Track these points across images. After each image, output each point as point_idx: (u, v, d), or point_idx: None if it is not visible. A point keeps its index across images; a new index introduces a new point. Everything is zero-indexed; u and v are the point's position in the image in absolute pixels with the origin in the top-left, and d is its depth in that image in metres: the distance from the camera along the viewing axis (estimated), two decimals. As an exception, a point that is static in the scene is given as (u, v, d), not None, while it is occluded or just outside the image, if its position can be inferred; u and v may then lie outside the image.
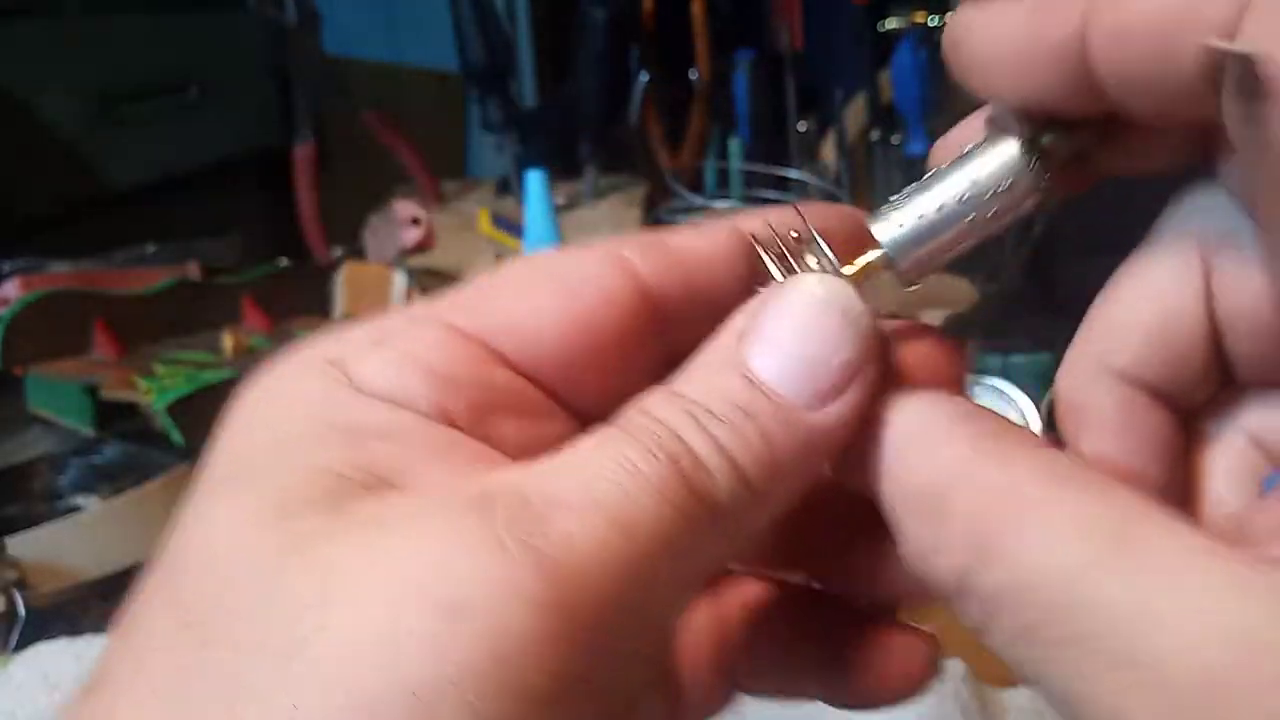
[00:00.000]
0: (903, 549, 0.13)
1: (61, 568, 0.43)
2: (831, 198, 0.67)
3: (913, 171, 0.74)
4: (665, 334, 0.15)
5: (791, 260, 0.15)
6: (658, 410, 0.13)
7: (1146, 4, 0.12)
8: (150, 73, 1.06)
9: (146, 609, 0.13)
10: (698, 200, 0.51)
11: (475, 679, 0.11)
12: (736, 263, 0.15)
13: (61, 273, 0.65)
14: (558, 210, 0.66)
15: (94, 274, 0.63)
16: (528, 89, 1.17)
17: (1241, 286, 0.14)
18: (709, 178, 0.82)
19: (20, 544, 0.42)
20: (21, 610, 0.40)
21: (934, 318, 0.61)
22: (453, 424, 0.14)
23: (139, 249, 0.73)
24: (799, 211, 0.15)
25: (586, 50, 0.77)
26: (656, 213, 0.52)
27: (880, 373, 0.14)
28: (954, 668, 0.39)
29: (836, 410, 0.13)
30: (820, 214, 0.16)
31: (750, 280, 0.15)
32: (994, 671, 0.41)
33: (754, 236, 0.15)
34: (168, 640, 0.12)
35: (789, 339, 0.14)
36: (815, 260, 0.15)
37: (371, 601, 0.11)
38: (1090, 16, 0.13)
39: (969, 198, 0.15)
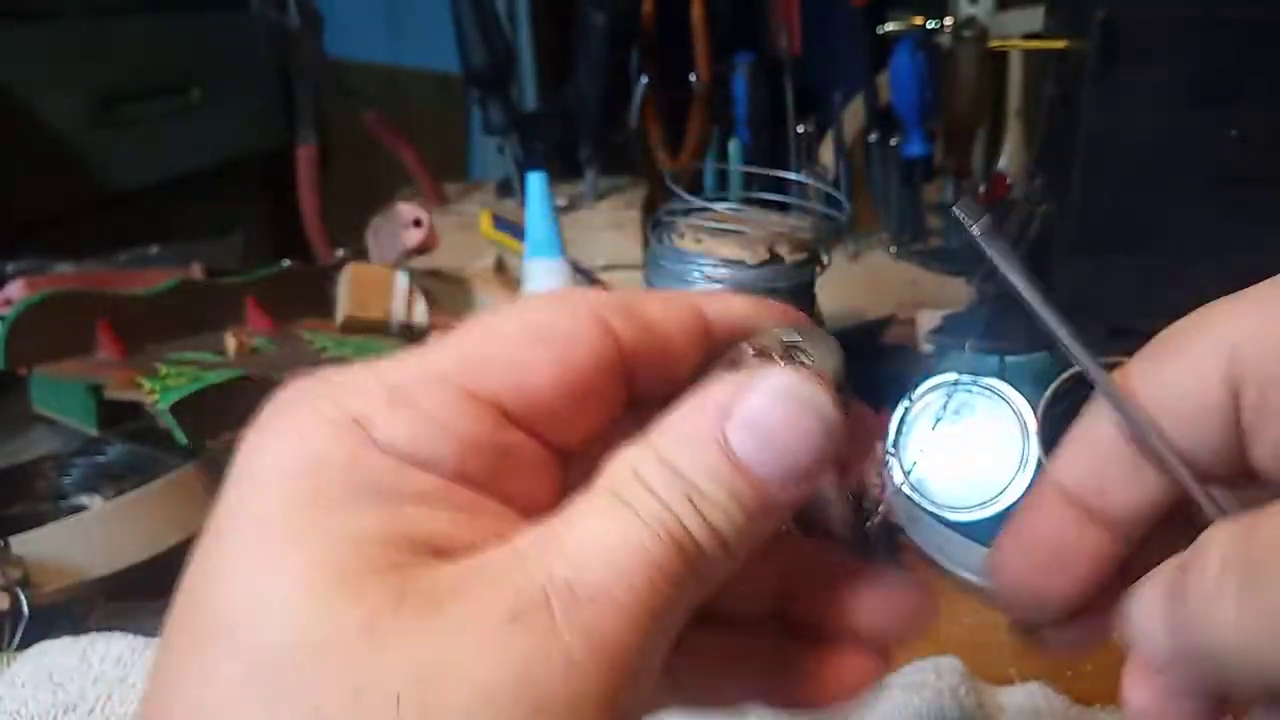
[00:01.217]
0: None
1: (65, 567, 0.43)
2: (830, 199, 0.67)
3: (910, 173, 0.74)
4: (631, 382, 0.18)
5: (768, 350, 0.18)
6: (657, 486, 0.15)
7: None
8: (153, 74, 1.07)
9: (194, 648, 0.14)
10: (697, 202, 0.52)
11: None
12: (694, 337, 0.18)
13: (65, 274, 0.65)
14: (558, 212, 0.66)
15: (97, 275, 0.64)
16: (528, 92, 1.17)
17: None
18: (708, 179, 0.83)
19: (24, 543, 0.42)
20: (25, 609, 0.40)
21: (931, 318, 0.61)
22: (471, 484, 0.16)
23: (142, 250, 0.74)
24: (764, 308, 0.19)
25: (587, 53, 0.77)
26: (656, 214, 0.53)
27: (836, 457, 0.16)
28: (952, 665, 0.40)
29: (801, 492, 0.16)
30: (778, 311, 0.19)
31: (702, 351, 0.18)
32: (992, 670, 0.41)
33: (749, 335, 0.18)
34: (234, 691, 0.13)
35: (772, 430, 0.16)
36: (788, 356, 0.17)
37: (467, 708, 0.13)
38: None
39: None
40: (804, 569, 0.20)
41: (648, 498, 0.15)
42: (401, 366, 0.16)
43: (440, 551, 0.15)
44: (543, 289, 0.57)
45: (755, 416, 0.16)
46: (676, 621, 0.16)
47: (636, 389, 0.18)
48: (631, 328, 0.17)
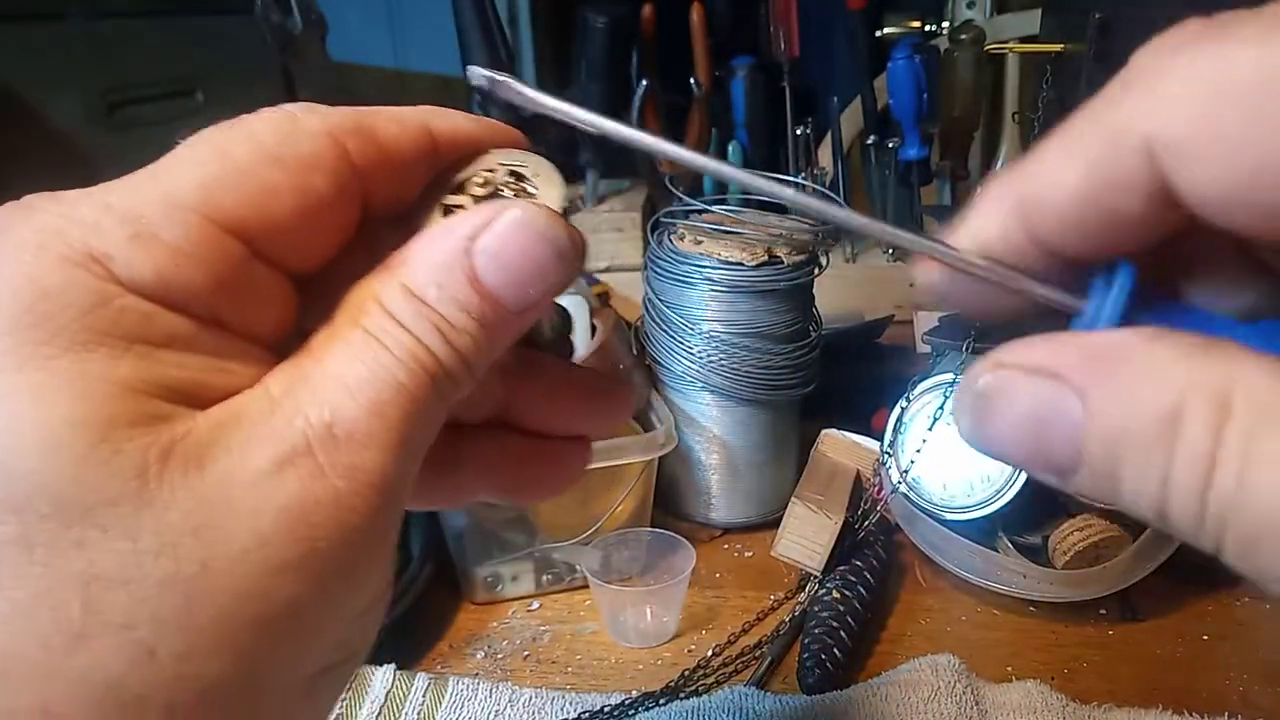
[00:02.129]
0: (1122, 488, 0.14)
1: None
2: (828, 200, 0.67)
3: (908, 175, 0.75)
4: (363, 202, 0.18)
5: (495, 178, 0.18)
6: (405, 318, 0.16)
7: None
8: (157, 77, 1.07)
9: None
10: (696, 204, 0.52)
11: (323, 584, 0.15)
12: (424, 155, 0.18)
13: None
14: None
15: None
16: (529, 95, 1.18)
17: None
18: (707, 182, 0.83)
19: None
20: None
21: (928, 320, 0.62)
22: (218, 322, 0.15)
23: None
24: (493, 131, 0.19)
25: (587, 57, 0.78)
26: (656, 216, 0.53)
27: (569, 285, 0.17)
28: (949, 663, 0.40)
29: (537, 313, 0.17)
30: (501, 132, 0.19)
31: (430, 169, 0.18)
32: (989, 667, 0.41)
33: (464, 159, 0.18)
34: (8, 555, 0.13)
35: (515, 260, 0.16)
36: (517, 186, 0.18)
37: (244, 555, 0.14)
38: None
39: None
40: (522, 374, 0.21)
41: (396, 329, 0.16)
42: (134, 193, 0.15)
43: (193, 398, 0.15)
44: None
45: (500, 246, 0.16)
46: (428, 441, 0.16)
47: (367, 208, 0.18)
48: (365, 148, 0.17)
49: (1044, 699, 0.39)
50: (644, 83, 0.82)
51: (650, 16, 0.82)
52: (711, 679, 0.42)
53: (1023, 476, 0.46)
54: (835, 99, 0.77)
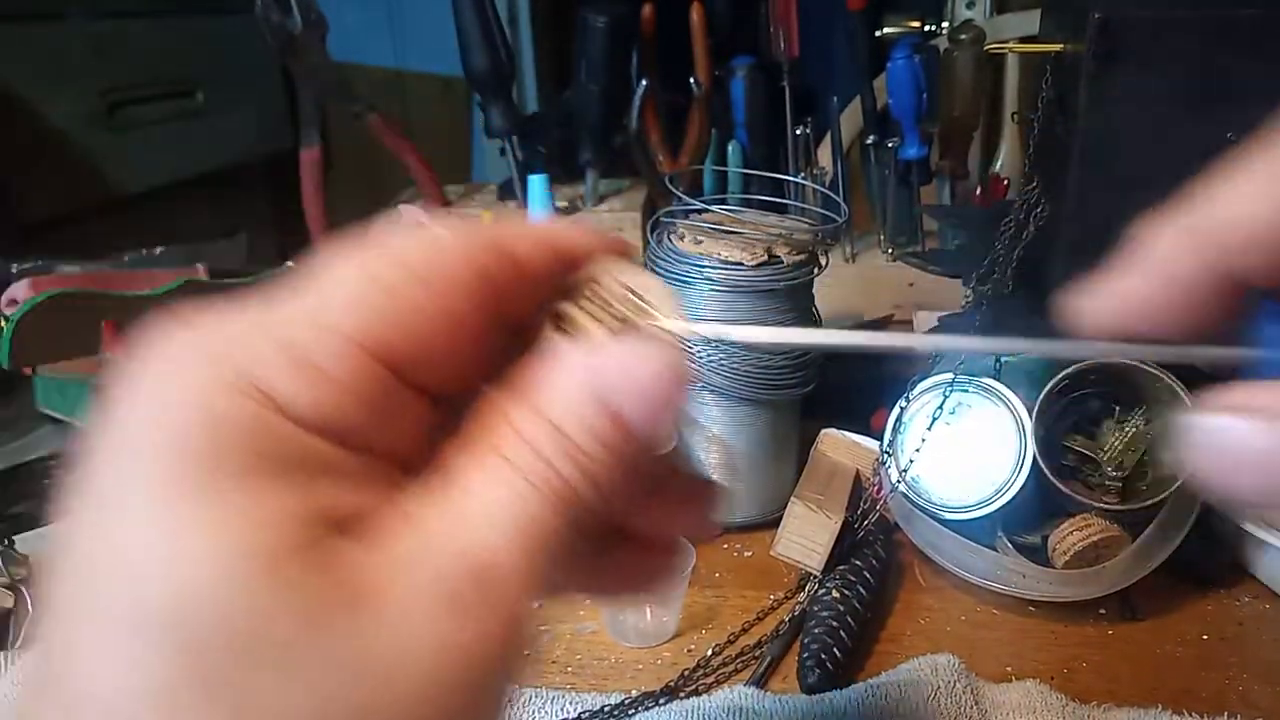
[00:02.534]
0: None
1: (70, 564, 0.43)
2: (828, 201, 0.67)
3: (907, 175, 0.75)
4: (497, 317, 0.18)
5: (611, 300, 0.19)
6: (542, 446, 0.16)
7: None
8: (158, 77, 1.07)
9: (105, 634, 0.13)
10: (696, 204, 0.52)
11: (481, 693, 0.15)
12: (553, 271, 0.19)
13: (70, 274, 0.66)
14: (559, 214, 0.67)
15: (102, 276, 0.64)
16: (529, 95, 1.18)
17: None
18: (707, 182, 0.83)
19: (30, 541, 0.43)
20: (30, 607, 0.40)
21: (928, 319, 0.62)
22: (365, 447, 0.16)
23: (147, 251, 0.74)
24: (616, 249, 0.20)
25: (587, 56, 0.78)
26: (656, 216, 0.53)
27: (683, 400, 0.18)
28: (949, 662, 0.40)
29: (661, 435, 0.18)
30: (614, 244, 0.20)
31: (555, 281, 0.19)
32: (989, 667, 0.41)
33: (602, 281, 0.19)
34: (163, 684, 0.13)
35: (648, 389, 0.17)
36: (641, 311, 0.19)
37: (412, 696, 0.14)
38: None
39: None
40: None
41: (534, 458, 0.16)
42: (290, 319, 0.15)
43: (350, 528, 0.15)
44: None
45: (633, 375, 0.17)
46: (559, 566, 0.17)
47: (502, 319, 0.18)
48: (502, 265, 0.17)
49: (1044, 699, 0.39)
50: (644, 82, 0.82)
51: (650, 16, 0.82)
52: (711, 679, 0.42)
53: (1022, 476, 0.46)
54: (835, 99, 0.77)
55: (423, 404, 0.17)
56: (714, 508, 0.23)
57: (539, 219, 0.19)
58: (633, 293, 0.19)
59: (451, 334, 0.16)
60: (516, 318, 0.18)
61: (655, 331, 0.18)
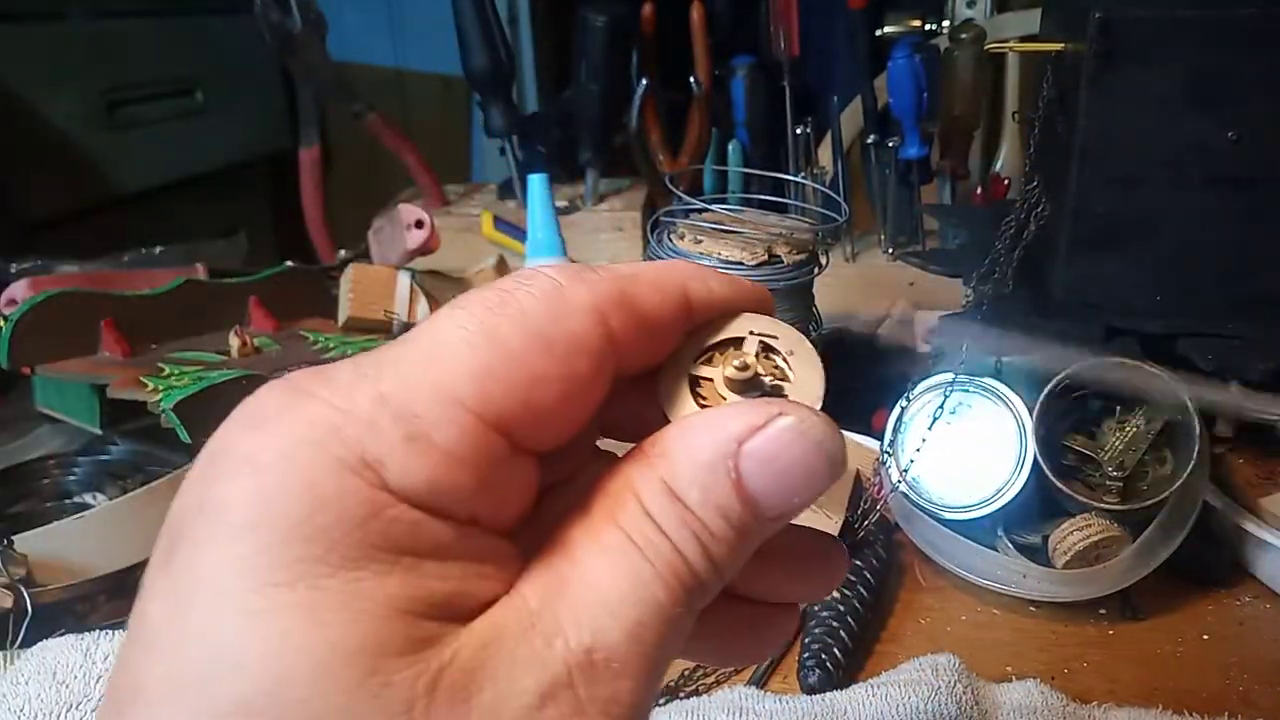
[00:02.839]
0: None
1: (69, 565, 0.43)
2: (828, 200, 0.67)
3: (908, 174, 0.74)
4: (617, 371, 0.17)
5: (751, 361, 0.17)
6: (666, 524, 0.15)
7: None
8: (157, 77, 1.07)
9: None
10: (696, 203, 0.52)
11: None
12: (679, 322, 0.18)
13: (70, 273, 0.66)
14: (559, 213, 0.67)
15: (102, 275, 0.64)
16: (529, 94, 1.18)
17: None
18: (708, 181, 0.83)
19: (28, 541, 0.43)
20: (29, 607, 0.40)
21: (928, 319, 0.62)
22: (475, 522, 0.15)
23: (146, 250, 0.74)
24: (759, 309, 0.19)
25: (587, 56, 0.78)
26: (656, 215, 0.53)
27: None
28: (949, 662, 0.40)
29: (793, 519, 0.17)
30: (753, 293, 0.19)
31: (682, 332, 0.18)
32: (989, 667, 0.41)
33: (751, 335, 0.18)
34: None
35: (786, 469, 0.16)
36: (774, 367, 0.18)
37: None
38: None
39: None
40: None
41: (656, 535, 0.15)
42: (409, 386, 0.14)
43: (455, 610, 0.14)
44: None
45: (772, 453, 0.15)
46: (675, 657, 0.16)
47: (619, 373, 0.17)
48: (627, 320, 0.16)
49: (1044, 699, 0.39)
50: (644, 82, 0.82)
51: (650, 16, 0.82)
52: (711, 678, 0.42)
53: (1023, 476, 0.46)
54: (835, 98, 0.77)
55: (531, 465, 0.16)
56: (839, 571, 0.21)
57: (665, 263, 0.17)
58: (769, 346, 0.18)
59: (571, 398, 0.16)
60: (639, 368, 0.17)
61: (802, 405, 0.16)
